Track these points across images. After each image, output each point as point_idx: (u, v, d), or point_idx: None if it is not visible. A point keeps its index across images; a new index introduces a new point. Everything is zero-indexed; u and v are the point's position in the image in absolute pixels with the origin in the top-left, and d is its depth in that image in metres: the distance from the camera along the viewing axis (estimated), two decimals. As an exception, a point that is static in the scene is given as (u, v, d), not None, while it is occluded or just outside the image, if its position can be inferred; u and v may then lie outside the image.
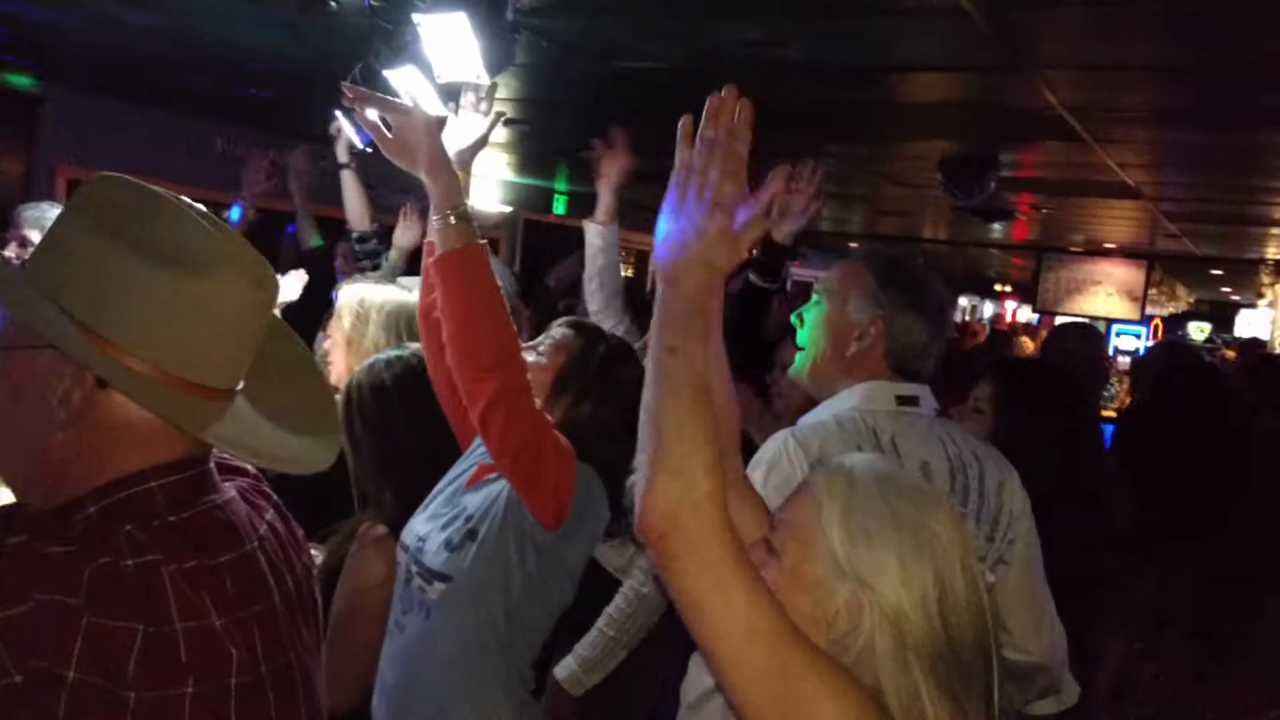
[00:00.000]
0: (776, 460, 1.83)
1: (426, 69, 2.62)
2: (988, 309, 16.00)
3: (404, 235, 3.91)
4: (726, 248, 1.27)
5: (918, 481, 1.34)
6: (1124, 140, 4.56)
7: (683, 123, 1.31)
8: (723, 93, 1.29)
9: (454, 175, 1.87)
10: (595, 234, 2.95)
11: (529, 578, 1.90)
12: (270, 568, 1.18)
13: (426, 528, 2.00)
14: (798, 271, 10.71)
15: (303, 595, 1.25)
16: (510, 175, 7.92)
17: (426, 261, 2.07)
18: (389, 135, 1.88)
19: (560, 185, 8.54)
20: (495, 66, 2.49)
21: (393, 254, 3.90)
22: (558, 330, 2.10)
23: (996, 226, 8.52)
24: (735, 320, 3.30)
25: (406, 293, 2.65)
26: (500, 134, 5.73)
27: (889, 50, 3.19)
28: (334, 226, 4.22)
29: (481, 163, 7.56)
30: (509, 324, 1.84)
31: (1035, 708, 2.15)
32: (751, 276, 3.23)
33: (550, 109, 4.97)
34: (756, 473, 1.84)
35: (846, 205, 8.70)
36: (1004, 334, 9.27)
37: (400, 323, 2.64)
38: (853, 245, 11.01)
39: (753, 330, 3.18)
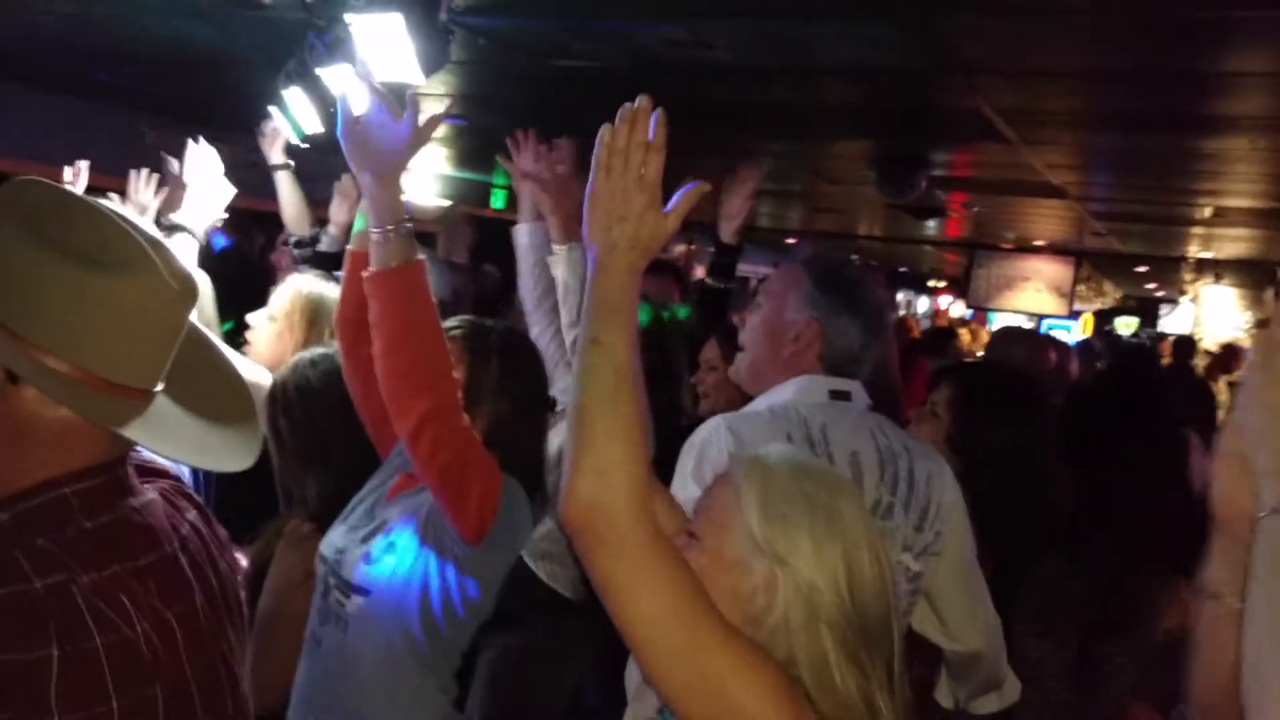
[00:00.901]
0: (707, 445, 1.89)
1: (361, 68, 2.59)
2: (922, 304, 16.26)
3: (340, 209, 3.76)
4: (654, 225, 1.30)
5: (829, 468, 1.45)
6: (1050, 143, 4.67)
7: (604, 129, 1.33)
8: (637, 103, 1.31)
9: (399, 189, 1.83)
10: (522, 233, 2.99)
11: (450, 593, 1.89)
12: (193, 568, 1.18)
13: (345, 540, 1.98)
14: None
15: (227, 594, 1.25)
16: (448, 169, 7.87)
17: (350, 267, 2.05)
18: (358, 124, 1.81)
19: (499, 179, 8.49)
20: (429, 67, 2.48)
21: (331, 229, 3.80)
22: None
23: (930, 223, 8.67)
24: (697, 321, 3.41)
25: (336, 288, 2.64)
26: (437, 129, 5.67)
27: (812, 53, 3.23)
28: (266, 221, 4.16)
29: (418, 158, 7.48)
30: (444, 343, 1.82)
31: (978, 705, 2.21)
32: (707, 280, 3.37)
33: (488, 105, 4.95)
34: (690, 455, 1.90)
35: (784, 202, 8.78)
36: (945, 330, 9.32)
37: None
38: (790, 241, 11.11)
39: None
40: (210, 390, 1.26)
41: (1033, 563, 2.45)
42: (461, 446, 1.81)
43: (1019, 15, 2.77)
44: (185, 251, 2.75)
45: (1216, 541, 1.21)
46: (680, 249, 9.80)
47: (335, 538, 2.01)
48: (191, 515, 1.25)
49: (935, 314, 15.54)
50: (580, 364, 1.26)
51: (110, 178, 3.29)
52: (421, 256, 1.82)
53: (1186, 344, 9.46)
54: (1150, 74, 3.29)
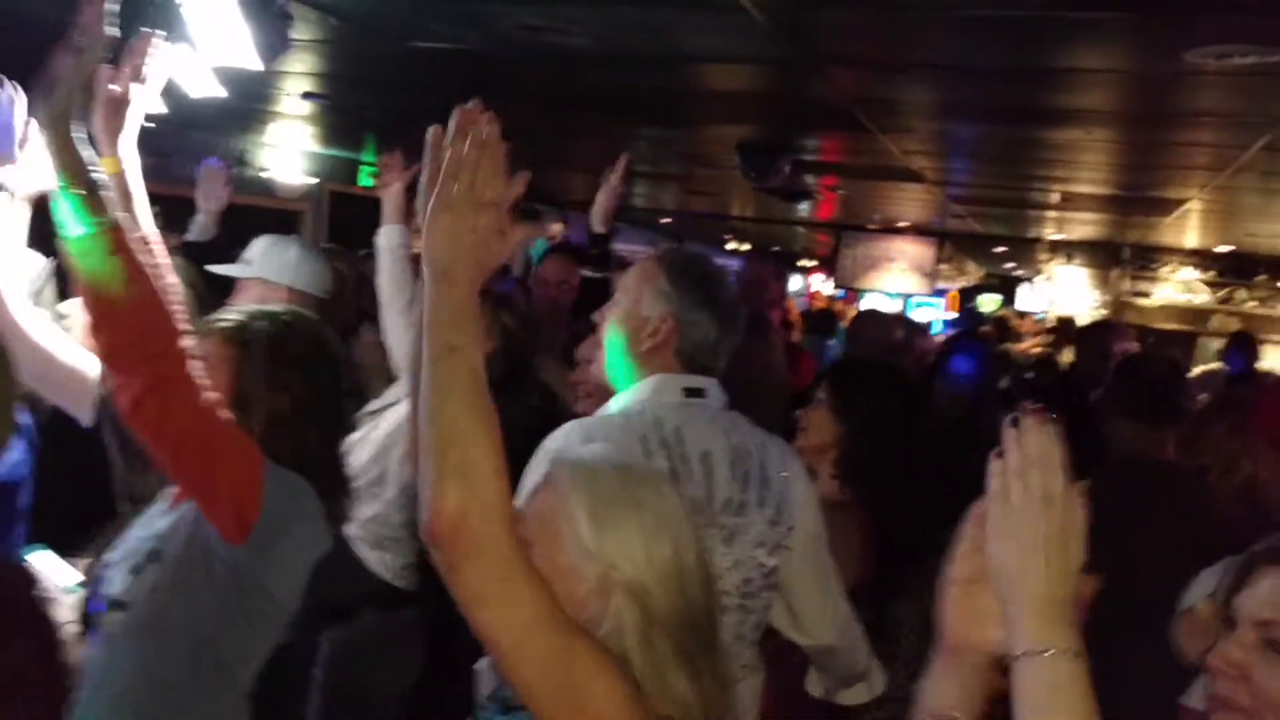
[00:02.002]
0: (563, 453, 1.88)
1: (197, 49, 2.51)
2: (795, 283, 16.57)
3: (209, 198, 3.64)
4: (497, 244, 1.30)
5: (649, 466, 1.52)
6: (906, 130, 4.81)
7: (432, 131, 1.33)
8: (469, 105, 1.31)
9: (69, 141, 1.63)
10: (385, 234, 3.05)
11: (221, 602, 1.74)
12: None
13: (116, 555, 1.84)
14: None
15: (18, 601, 1.17)
16: (314, 146, 7.66)
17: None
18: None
19: (368, 156, 8.31)
20: (267, 53, 2.40)
21: (200, 217, 3.64)
22: (200, 347, 1.85)
23: (802, 206, 8.84)
24: (576, 313, 3.40)
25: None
26: (301, 107, 5.53)
27: (673, 41, 3.26)
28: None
29: (283, 133, 7.28)
30: (163, 313, 1.66)
31: (844, 696, 2.26)
32: (585, 272, 3.39)
33: (350, 84, 4.84)
34: (544, 462, 1.89)
35: (659, 184, 8.83)
36: (826, 311, 9.42)
37: None
38: (665, 221, 11.19)
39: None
40: None
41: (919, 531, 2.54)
42: (194, 428, 1.66)
43: (872, 8, 2.85)
44: None
45: (942, 662, 1.22)
46: (557, 227, 9.77)
47: (109, 554, 1.86)
48: None
49: (809, 294, 15.87)
50: (436, 373, 1.24)
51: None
52: (121, 217, 1.65)
53: (1002, 325, 9.99)
54: (995, 68, 3.43)
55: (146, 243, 1.77)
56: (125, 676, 1.75)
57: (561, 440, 1.90)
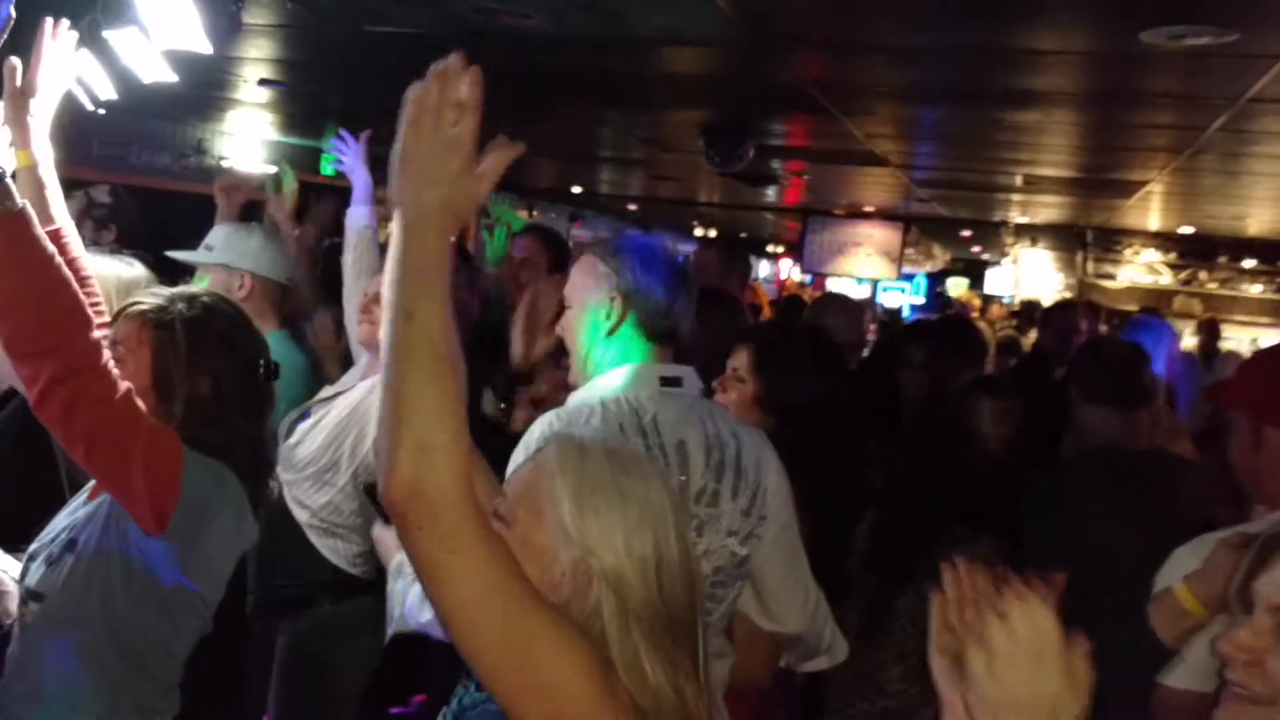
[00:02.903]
0: (545, 440, 1.86)
1: (147, 33, 2.46)
2: (764, 269, 16.60)
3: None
4: (467, 189, 1.23)
5: (639, 454, 1.46)
6: (867, 113, 4.82)
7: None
8: (448, 61, 1.22)
9: None
10: (356, 214, 3.11)
11: (137, 594, 1.73)
12: None
13: (36, 546, 1.83)
14: (577, 234, 10.80)
15: None
16: (273, 134, 7.58)
17: None
18: None
19: (329, 144, 8.23)
20: (218, 36, 2.36)
21: None
22: (119, 329, 1.85)
23: (769, 191, 8.85)
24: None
25: (126, 266, 2.49)
26: (259, 94, 5.46)
27: (631, 23, 3.24)
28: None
29: (242, 121, 7.19)
30: (68, 301, 1.63)
31: (806, 666, 2.29)
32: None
33: (309, 71, 4.79)
34: (522, 453, 1.87)
35: (624, 169, 8.81)
36: (794, 299, 9.39)
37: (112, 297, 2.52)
38: (631, 208, 11.17)
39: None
40: None
41: (853, 517, 2.53)
42: (105, 420, 1.65)
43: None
44: None
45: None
46: (522, 214, 9.73)
47: (31, 546, 1.86)
48: None
49: (778, 279, 15.90)
50: (393, 340, 1.20)
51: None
52: (21, 206, 1.60)
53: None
54: (954, 48, 3.43)
55: (59, 235, 1.75)
56: (42, 668, 1.74)
57: (543, 426, 1.89)
